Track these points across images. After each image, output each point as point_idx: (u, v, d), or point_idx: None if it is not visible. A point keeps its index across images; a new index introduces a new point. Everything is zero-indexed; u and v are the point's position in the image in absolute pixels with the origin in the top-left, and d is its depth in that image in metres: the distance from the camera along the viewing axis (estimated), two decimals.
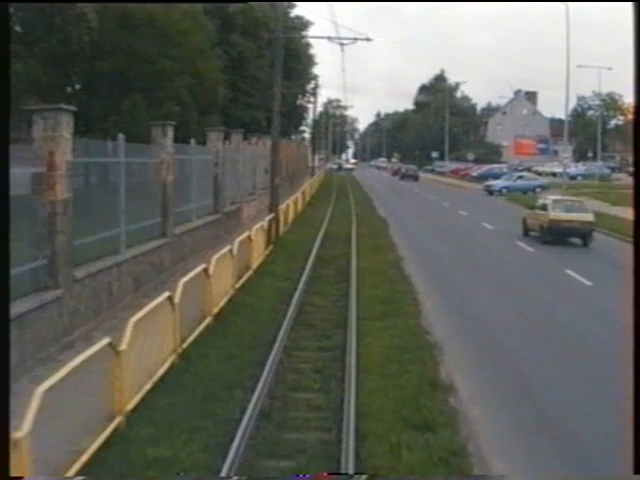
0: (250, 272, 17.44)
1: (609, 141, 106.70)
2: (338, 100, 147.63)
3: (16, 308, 9.67)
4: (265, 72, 42.62)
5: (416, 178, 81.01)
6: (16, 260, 10.03)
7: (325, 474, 7.04)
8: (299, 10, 56.20)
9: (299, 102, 64.79)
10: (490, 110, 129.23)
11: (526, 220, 28.77)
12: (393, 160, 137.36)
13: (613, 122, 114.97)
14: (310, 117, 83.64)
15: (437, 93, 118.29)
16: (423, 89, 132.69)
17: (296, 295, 15.11)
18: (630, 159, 69.63)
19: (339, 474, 6.77)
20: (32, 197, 10.77)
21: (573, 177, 71.51)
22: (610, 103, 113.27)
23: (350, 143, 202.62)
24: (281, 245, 23.34)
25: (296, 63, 54.24)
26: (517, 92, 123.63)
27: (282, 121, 28.18)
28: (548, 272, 20.85)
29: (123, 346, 8.07)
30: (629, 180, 44.62)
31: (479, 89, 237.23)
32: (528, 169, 79.77)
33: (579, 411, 9.35)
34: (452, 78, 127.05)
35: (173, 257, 17.22)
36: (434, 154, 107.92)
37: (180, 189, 18.36)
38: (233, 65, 41.29)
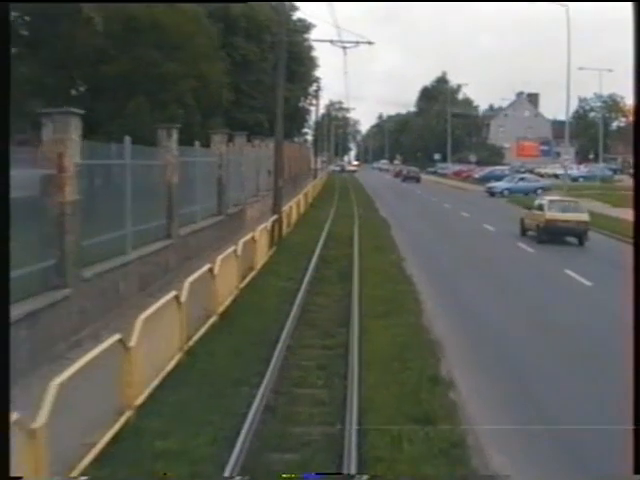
0: (254, 272, 17.68)
1: (611, 143, 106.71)
2: (340, 102, 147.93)
3: (27, 306, 9.95)
4: (268, 75, 42.85)
5: (418, 180, 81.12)
6: (27, 260, 10.32)
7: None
8: (301, 13, 56.19)
9: (301, 104, 64.94)
10: (492, 112, 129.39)
11: (524, 220, 29.37)
12: (395, 162, 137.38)
13: (615, 124, 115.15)
14: (312, 119, 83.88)
15: (439, 95, 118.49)
16: (425, 91, 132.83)
17: (299, 295, 15.34)
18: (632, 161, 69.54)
19: (340, 474, 6.88)
20: (41, 198, 11.03)
21: (575, 179, 71.70)
22: (612, 105, 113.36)
23: (352, 145, 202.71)
24: (284, 246, 23.58)
25: (299, 66, 54.46)
26: (519, 94, 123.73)
27: (285, 123, 28.36)
28: (548, 272, 21.06)
29: (132, 342, 8.33)
30: (630, 182, 44.60)
31: (481, 91, 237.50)
32: (530, 171, 79.92)
33: (579, 411, 9.43)
34: (454, 80, 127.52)
35: (178, 258, 17.45)
36: (436, 156, 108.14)
37: (185, 191, 18.60)
38: (236, 68, 41.53)
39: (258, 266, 18.43)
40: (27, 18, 26.32)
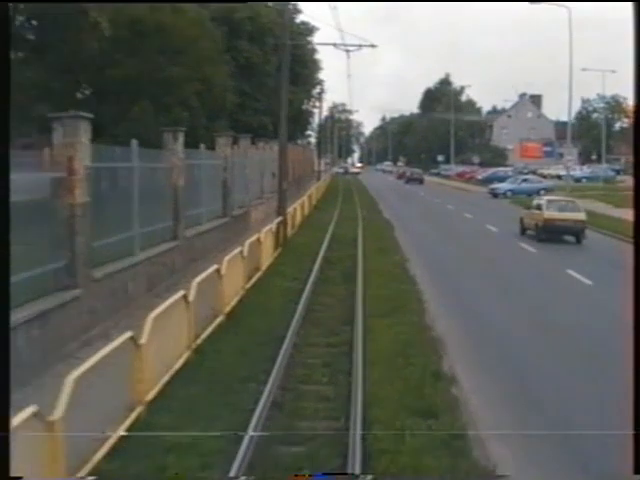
0: (260, 273, 17.92)
1: (614, 144, 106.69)
2: (343, 104, 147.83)
3: (38, 306, 10.19)
4: (272, 78, 43.08)
5: (421, 181, 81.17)
6: (38, 261, 10.58)
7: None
8: (305, 16, 56.34)
9: (305, 107, 65.16)
10: (495, 113, 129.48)
11: (523, 219, 30.02)
12: (399, 164, 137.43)
13: (618, 125, 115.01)
14: (316, 121, 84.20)
15: (442, 97, 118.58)
16: (428, 93, 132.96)
17: (304, 294, 15.56)
18: None
19: (344, 474, 6.99)
20: (52, 201, 11.28)
21: (578, 179, 71.66)
22: (614, 106, 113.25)
23: (356, 147, 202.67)
24: (289, 247, 23.82)
25: (302, 68, 54.66)
26: (522, 95, 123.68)
27: (288, 126, 28.58)
28: (550, 272, 21.26)
29: (143, 340, 8.57)
30: None
31: (483, 93, 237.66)
32: (533, 172, 79.97)
33: (579, 409, 9.53)
34: (457, 82, 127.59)
35: (184, 259, 17.68)
36: (440, 157, 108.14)
37: (190, 193, 18.83)
38: (240, 71, 41.84)
39: (264, 267, 18.66)
40: (34, 22, 26.61)
